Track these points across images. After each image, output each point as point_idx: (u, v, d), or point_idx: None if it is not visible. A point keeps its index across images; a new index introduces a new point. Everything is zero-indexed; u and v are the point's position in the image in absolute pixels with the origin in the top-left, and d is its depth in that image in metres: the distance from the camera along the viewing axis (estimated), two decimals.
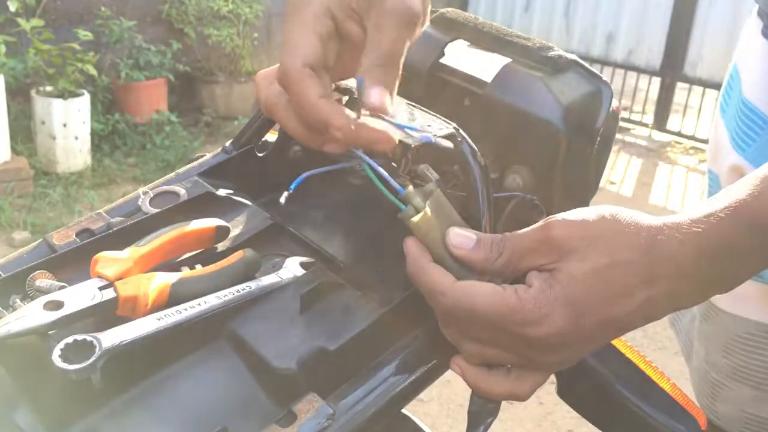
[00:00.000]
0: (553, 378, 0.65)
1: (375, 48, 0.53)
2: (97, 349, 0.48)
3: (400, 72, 0.54)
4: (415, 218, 0.53)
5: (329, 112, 0.51)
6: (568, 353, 0.52)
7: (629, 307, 0.50)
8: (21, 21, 3.81)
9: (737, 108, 0.84)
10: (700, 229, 0.50)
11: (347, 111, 0.52)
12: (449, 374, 0.60)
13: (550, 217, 0.53)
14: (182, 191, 0.69)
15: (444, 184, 0.64)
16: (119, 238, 0.62)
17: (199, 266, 0.60)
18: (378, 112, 0.53)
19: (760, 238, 0.50)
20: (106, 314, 0.54)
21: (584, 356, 0.54)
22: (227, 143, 0.76)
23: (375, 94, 0.52)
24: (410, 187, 0.54)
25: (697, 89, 5.36)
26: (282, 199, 0.57)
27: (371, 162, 0.54)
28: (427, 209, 0.53)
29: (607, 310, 0.50)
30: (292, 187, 0.56)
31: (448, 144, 0.55)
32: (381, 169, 0.54)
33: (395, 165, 0.67)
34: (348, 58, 0.57)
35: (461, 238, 0.54)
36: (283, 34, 0.55)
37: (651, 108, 5.62)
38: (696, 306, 0.96)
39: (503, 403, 0.59)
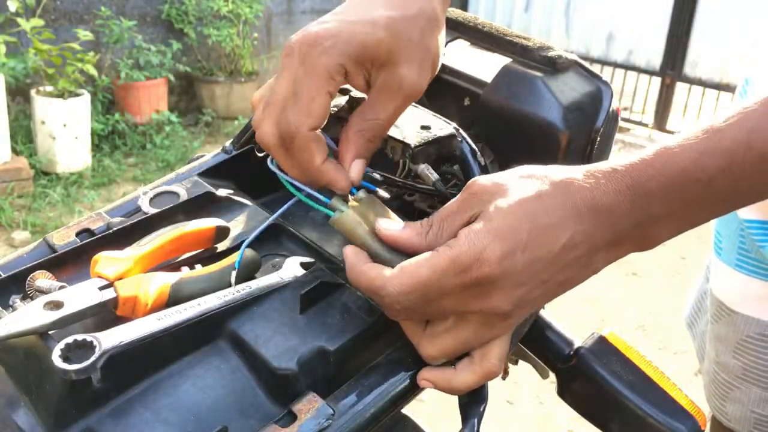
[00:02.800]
0: (553, 378, 0.65)
1: (373, 113, 0.56)
2: (97, 349, 0.48)
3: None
4: (338, 218, 0.55)
5: (333, 177, 0.56)
6: (521, 294, 0.50)
7: (562, 239, 0.49)
8: (21, 21, 3.82)
9: None
10: (613, 175, 0.50)
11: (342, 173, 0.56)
12: None
13: (472, 179, 0.53)
14: (182, 191, 0.69)
15: (444, 184, 0.64)
16: (119, 238, 0.62)
17: (199, 266, 0.60)
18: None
19: (647, 198, 0.50)
20: (106, 314, 0.54)
21: (541, 303, 0.53)
22: (227, 143, 0.76)
23: (356, 171, 0.57)
24: (335, 197, 0.56)
25: (697, 89, 5.36)
26: (233, 280, 0.58)
27: (294, 182, 0.57)
28: (350, 210, 0.55)
29: (541, 241, 0.49)
30: (237, 263, 0.58)
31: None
32: (303, 186, 0.57)
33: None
34: None
35: (388, 223, 0.54)
36: (295, 81, 0.53)
37: (651, 108, 5.62)
38: (709, 308, 0.96)
39: (504, 403, 0.59)
